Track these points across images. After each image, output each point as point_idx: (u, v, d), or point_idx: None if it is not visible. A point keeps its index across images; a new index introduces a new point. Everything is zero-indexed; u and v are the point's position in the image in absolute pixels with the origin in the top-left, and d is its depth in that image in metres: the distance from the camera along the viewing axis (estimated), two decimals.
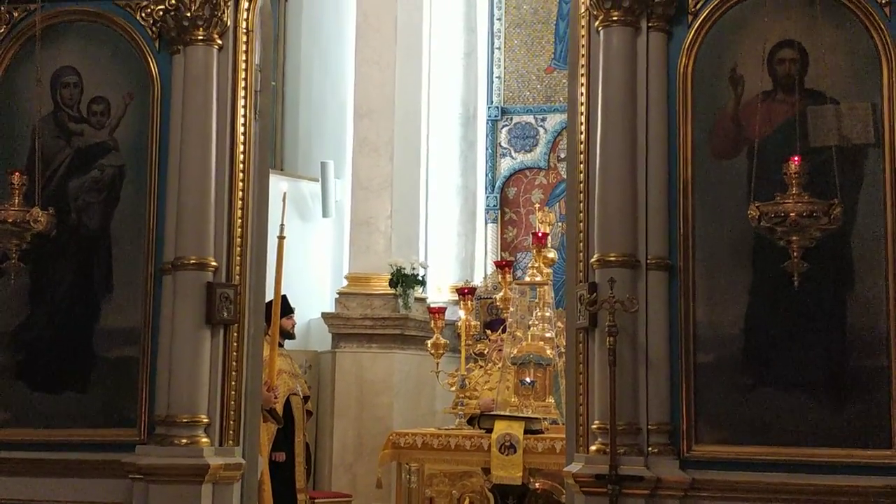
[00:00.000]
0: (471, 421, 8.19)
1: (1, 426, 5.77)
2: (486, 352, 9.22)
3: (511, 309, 8.69)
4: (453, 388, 8.62)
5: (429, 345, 8.69)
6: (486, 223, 11.29)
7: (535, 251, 8.79)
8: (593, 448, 5.15)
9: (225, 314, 5.55)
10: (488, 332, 9.48)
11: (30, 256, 5.43)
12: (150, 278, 5.68)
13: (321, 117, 11.11)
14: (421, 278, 10.29)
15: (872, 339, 5.02)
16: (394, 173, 10.35)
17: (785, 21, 5.17)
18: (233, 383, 5.58)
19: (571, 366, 5.40)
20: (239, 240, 5.66)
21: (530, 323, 8.47)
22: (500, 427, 7.62)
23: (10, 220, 5.18)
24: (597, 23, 5.35)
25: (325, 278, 10.79)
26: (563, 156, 10.57)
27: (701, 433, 5.16)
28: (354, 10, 10.58)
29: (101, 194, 5.83)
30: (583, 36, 5.45)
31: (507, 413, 7.95)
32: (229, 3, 5.71)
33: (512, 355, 8.28)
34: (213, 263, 5.57)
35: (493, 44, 11.47)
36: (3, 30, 5.92)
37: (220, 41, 5.69)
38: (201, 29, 5.65)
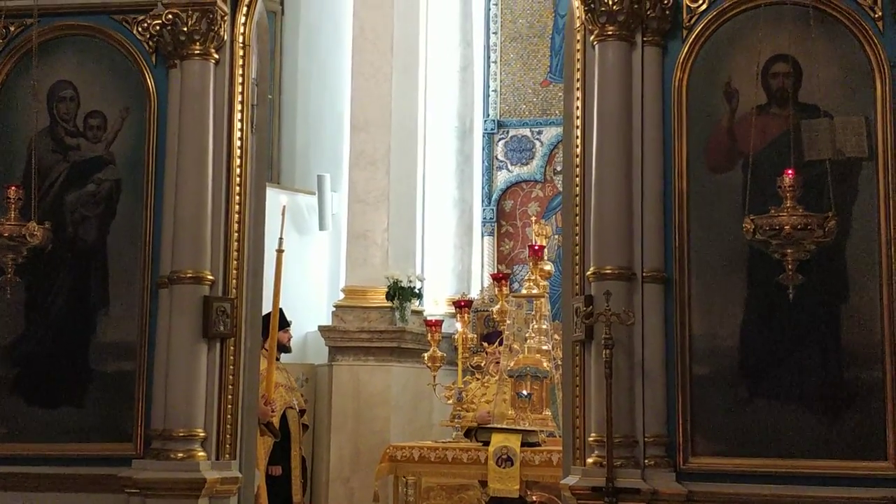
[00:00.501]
0: (468, 434, 8.19)
1: None
2: (482, 364, 9.22)
3: (508, 321, 8.69)
4: (450, 401, 8.63)
5: (426, 358, 8.70)
6: (482, 236, 11.31)
7: (531, 264, 8.80)
8: (590, 460, 5.15)
9: (221, 328, 5.56)
10: (485, 344, 9.48)
11: (26, 270, 5.43)
12: (147, 292, 5.69)
13: (318, 131, 11.13)
14: (418, 291, 10.29)
15: (867, 350, 5.04)
16: (390, 186, 10.37)
17: (779, 35, 5.19)
18: (229, 397, 5.58)
19: (568, 378, 5.41)
20: (236, 253, 5.67)
21: (527, 335, 8.48)
22: (497, 440, 7.62)
23: (6, 235, 5.19)
24: (592, 37, 5.38)
25: (321, 291, 10.79)
26: (559, 169, 10.59)
27: (697, 445, 5.17)
28: (351, 23, 10.62)
29: (98, 208, 5.84)
30: (578, 50, 5.47)
31: (504, 426, 7.95)
32: (226, 18, 5.74)
33: (509, 368, 8.28)
34: (210, 277, 5.58)
35: (489, 57, 11.51)
36: None
37: (216, 55, 5.71)
38: (198, 43, 5.67)
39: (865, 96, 5.15)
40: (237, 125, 5.73)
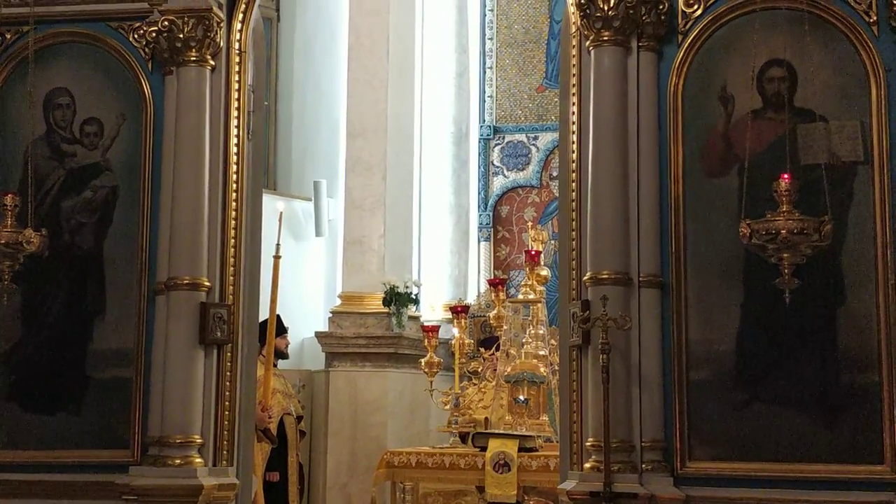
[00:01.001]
0: (463, 438, 8.18)
1: None
2: (479, 370, 9.22)
3: (504, 327, 8.70)
4: (447, 407, 8.62)
5: (423, 363, 8.70)
6: (479, 241, 11.32)
7: (528, 269, 8.81)
8: (587, 465, 5.15)
9: (218, 334, 5.56)
10: (482, 350, 9.48)
11: (22, 277, 5.42)
12: (144, 298, 5.69)
13: (314, 137, 11.14)
14: (414, 297, 10.29)
15: (864, 354, 5.05)
16: (387, 192, 10.37)
17: (774, 40, 5.21)
18: (226, 403, 5.58)
19: (565, 383, 5.41)
20: (232, 259, 5.68)
21: (524, 341, 8.48)
22: (494, 445, 7.62)
23: (2, 242, 5.17)
24: (588, 42, 5.39)
25: (318, 297, 10.79)
26: (555, 174, 10.61)
27: (694, 450, 5.17)
28: (347, 30, 10.63)
29: (94, 215, 5.84)
30: (574, 55, 5.48)
31: (502, 431, 7.94)
32: (222, 25, 5.75)
33: (506, 373, 8.29)
34: (207, 283, 5.58)
35: (485, 63, 11.52)
36: None
37: (212, 62, 5.71)
38: (194, 50, 5.67)
39: (861, 101, 5.16)
40: (233, 131, 5.73)
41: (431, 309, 10.73)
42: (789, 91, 5.22)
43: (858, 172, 5.15)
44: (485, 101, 11.49)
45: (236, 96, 5.75)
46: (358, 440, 9.97)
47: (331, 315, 10.31)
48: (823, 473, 5.02)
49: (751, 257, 5.02)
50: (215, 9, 5.70)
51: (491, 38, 11.56)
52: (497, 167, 11.42)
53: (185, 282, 5.54)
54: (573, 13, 5.44)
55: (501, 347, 8.65)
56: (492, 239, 11.31)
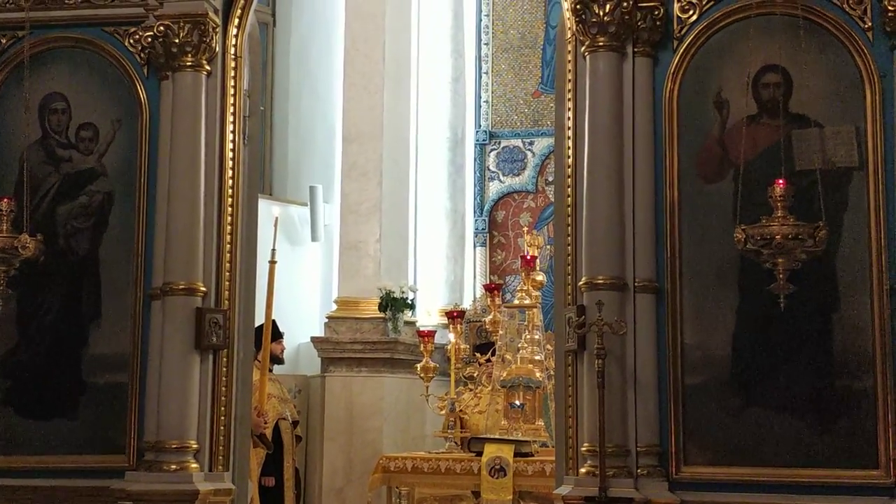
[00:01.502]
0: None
1: None
2: (475, 375, 9.22)
3: (500, 332, 8.70)
4: (443, 412, 8.62)
5: (418, 368, 8.69)
6: (474, 247, 11.31)
7: (523, 274, 8.81)
8: (583, 470, 5.16)
9: (214, 339, 5.56)
10: (478, 355, 9.47)
11: (18, 283, 5.42)
12: (139, 304, 5.69)
13: (310, 142, 11.14)
14: (410, 302, 10.29)
15: (858, 359, 5.05)
16: (382, 197, 10.37)
17: (769, 46, 5.21)
18: (222, 408, 5.58)
19: (560, 388, 5.41)
20: (228, 265, 5.68)
21: (519, 346, 8.48)
22: (489, 450, 7.62)
23: None
24: (583, 48, 5.39)
25: (314, 302, 10.78)
26: (550, 179, 10.60)
27: (690, 455, 5.18)
28: (342, 35, 10.63)
29: (90, 220, 5.84)
30: (569, 61, 5.49)
31: (497, 436, 7.94)
32: (217, 30, 5.75)
33: (501, 378, 8.28)
34: (203, 288, 5.58)
35: (480, 68, 11.52)
36: None
37: (208, 67, 5.71)
38: (190, 55, 5.67)
39: (855, 106, 5.18)
40: (229, 136, 5.73)
41: (427, 314, 10.73)
42: (784, 96, 5.23)
43: (853, 178, 5.16)
44: (480, 106, 11.49)
45: (232, 101, 5.76)
46: (354, 445, 9.97)
47: (327, 320, 10.30)
48: (818, 478, 5.02)
49: (746, 262, 5.03)
50: (211, 14, 5.70)
51: (487, 43, 11.56)
52: (493, 172, 11.42)
53: (181, 287, 5.54)
54: (569, 18, 5.45)
55: (497, 352, 8.65)
56: (487, 244, 11.30)
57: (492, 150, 11.44)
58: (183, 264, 5.56)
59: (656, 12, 5.35)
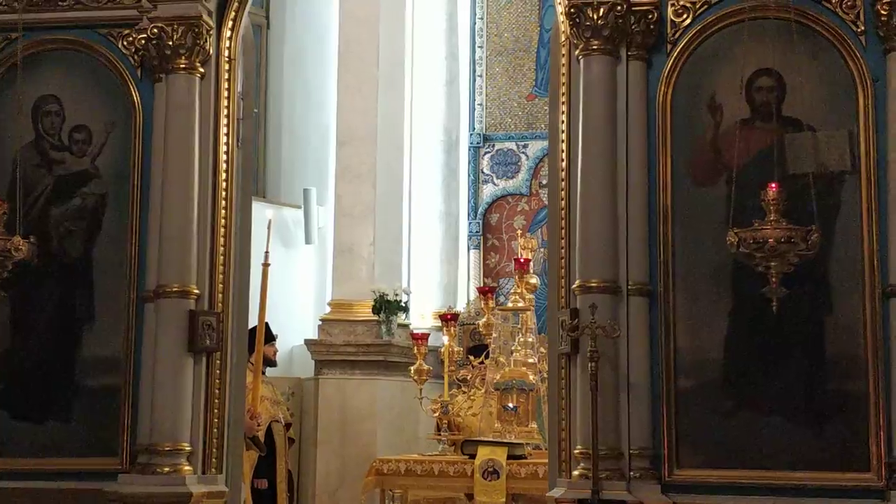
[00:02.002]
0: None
1: None
2: (469, 378, 9.21)
3: (494, 335, 8.69)
4: (436, 415, 8.62)
5: (412, 371, 8.69)
6: (468, 249, 11.32)
7: (517, 277, 8.81)
8: (576, 473, 5.16)
9: (207, 342, 5.55)
10: (471, 357, 9.46)
11: (11, 285, 5.41)
12: (133, 306, 5.68)
13: (304, 145, 11.14)
14: (404, 304, 10.29)
15: (851, 362, 5.07)
16: (376, 200, 10.38)
17: (762, 50, 5.23)
18: (215, 411, 5.58)
19: (554, 391, 5.42)
20: (222, 267, 5.67)
21: (513, 349, 8.48)
22: (483, 452, 7.62)
23: None
24: (577, 51, 5.40)
25: (307, 305, 10.78)
26: (544, 182, 10.61)
27: (682, 457, 5.18)
28: (337, 37, 10.64)
29: (83, 222, 5.83)
30: (563, 64, 5.50)
31: (491, 439, 7.94)
32: (211, 32, 5.75)
33: (495, 381, 8.28)
34: (196, 291, 5.58)
35: (474, 71, 11.54)
36: None
37: (202, 69, 5.71)
38: (183, 57, 5.67)
39: (848, 110, 5.19)
40: (223, 139, 5.73)
41: (421, 317, 10.73)
42: (777, 100, 5.24)
43: (846, 182, 5.17)
44: (474, 109, 11.50)
45: (226, 104, 5.75)
46: (347, 448, 9.96)
47: (320, 323, 10.30)
48: (810, 481, 5.03)
49: (739, 266, 5.03)
50: (205, 16, 5.70)
51: (481, 47, 11.57)
52: (487, 175, 11.43)
53: (175, 289, 5.54)
54: (563, 22, 5.46)
55: (491, 355, 8.64)
56: (481, 247, 11.31)
57: (486, 152, 11.45)
58: (176, 267, 5.56)
59: (650, 16, 5.36)
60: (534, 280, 8.79)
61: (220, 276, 5.66)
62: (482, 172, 11.43)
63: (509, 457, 7.59)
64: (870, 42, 5.20)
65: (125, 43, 5.85)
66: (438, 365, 9.05)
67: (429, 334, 9.07)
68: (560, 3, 5.46)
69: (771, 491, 5.06)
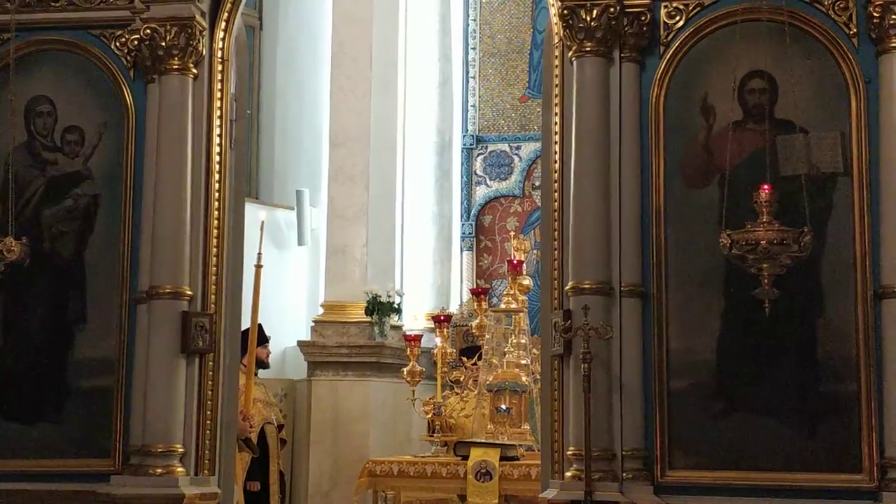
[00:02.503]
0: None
1: None
2: (461, 379, 9.21)
3: (487, 336, 8.69)
4: (429, 416, 8.62)
5: (405, 372, 8.69)
6: (461, 251, 11.32)
7: (510, 279, 8.81)
8: (568, 474, 5.16)
9: (200, 343, 5.55)
10: (464, 359, 9.46)
11: (3, 286, 5.41)
12: (125, 307, 5.67)
13: (296, 146, 11.13)
14: (397, 306, 10.29)
15: (843, 364, 5.08)
16: (369, 202, 10.38)
17: (755, 52, 5.23)
18: (208, 413, 5.57)
19: (546, 392, 5.42)
20: (214, 269, 5.67)
21: (506, 350, 8.48)
22: (475, 454, 7.62)
23: None
24: (570, 53, 5.41)
25: (300, 306, 10.77)
26: (537, 184, 10.62)
27: (675, 459, 5.19)
28: (330, 38, 10.63)
29: (76, 223, 5.82)
30: (556, 66, 5.50)
31: (483, 440, 7.95)
32: (204, 33, 5.74)
33: (488, 382, 8.28)
34: (189, 292, 5.57)
35: (467, 73, 11.54)
36: None
37: (195, 70, 5.71)
38: (176, 58, 5.66)
39: (840, 112, 5.20)
40: (216, 140, 5.73)
41: (414, 318, 10.73)
42: (770, 102, 5.25)
43: (838, 183, 5.18)
44: (467, 111, 11.50)
45: (219, 105, 5.75)
46: (340, 449, 9.96)
47: (313, 324, 10.29)
48: (803, 482, 5.04)
49: (731, 268, 5.04)
50: (198, 17, 5.70)
51: (474, 48, 11.58)
52: (480, 177, 11.43)
53: (167, 291, 5.53)
54: (556, 24, 5.47)
55: (483, 357, 8.64)
56: (474, 248, 11.32)
57: (479, 154, 11.45)
58: (169, 268, 5.55)
59: (643, 18, 5.37)
60: (527, 281, 8.79)
61: (213, 278, 5.65)
62: (475, 174, 11.44)
63: (502, 458, 7.59)
64: (862, 44, 5.22)
65: (118, 44, 5.84)
66: (431, 366, 9.05)
67: (421, 336, 9.08)
68: (553, 5, 5.47)
69: (763, 492, 5.07)
